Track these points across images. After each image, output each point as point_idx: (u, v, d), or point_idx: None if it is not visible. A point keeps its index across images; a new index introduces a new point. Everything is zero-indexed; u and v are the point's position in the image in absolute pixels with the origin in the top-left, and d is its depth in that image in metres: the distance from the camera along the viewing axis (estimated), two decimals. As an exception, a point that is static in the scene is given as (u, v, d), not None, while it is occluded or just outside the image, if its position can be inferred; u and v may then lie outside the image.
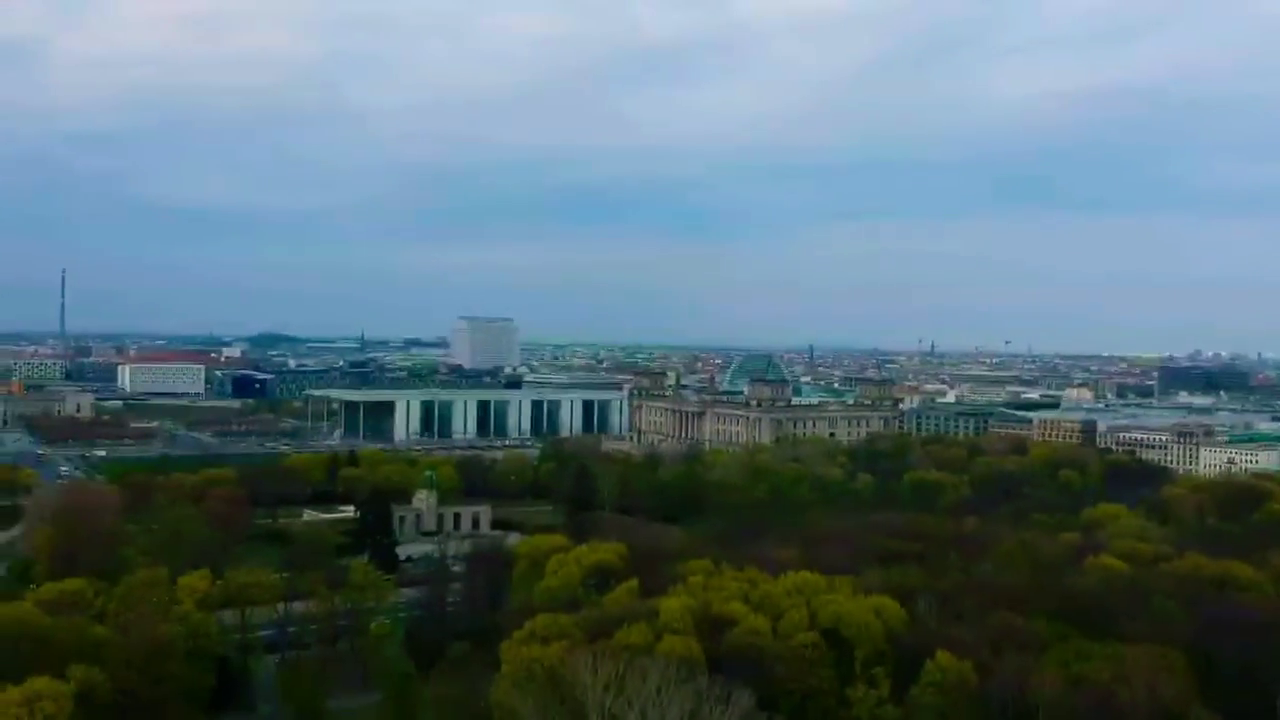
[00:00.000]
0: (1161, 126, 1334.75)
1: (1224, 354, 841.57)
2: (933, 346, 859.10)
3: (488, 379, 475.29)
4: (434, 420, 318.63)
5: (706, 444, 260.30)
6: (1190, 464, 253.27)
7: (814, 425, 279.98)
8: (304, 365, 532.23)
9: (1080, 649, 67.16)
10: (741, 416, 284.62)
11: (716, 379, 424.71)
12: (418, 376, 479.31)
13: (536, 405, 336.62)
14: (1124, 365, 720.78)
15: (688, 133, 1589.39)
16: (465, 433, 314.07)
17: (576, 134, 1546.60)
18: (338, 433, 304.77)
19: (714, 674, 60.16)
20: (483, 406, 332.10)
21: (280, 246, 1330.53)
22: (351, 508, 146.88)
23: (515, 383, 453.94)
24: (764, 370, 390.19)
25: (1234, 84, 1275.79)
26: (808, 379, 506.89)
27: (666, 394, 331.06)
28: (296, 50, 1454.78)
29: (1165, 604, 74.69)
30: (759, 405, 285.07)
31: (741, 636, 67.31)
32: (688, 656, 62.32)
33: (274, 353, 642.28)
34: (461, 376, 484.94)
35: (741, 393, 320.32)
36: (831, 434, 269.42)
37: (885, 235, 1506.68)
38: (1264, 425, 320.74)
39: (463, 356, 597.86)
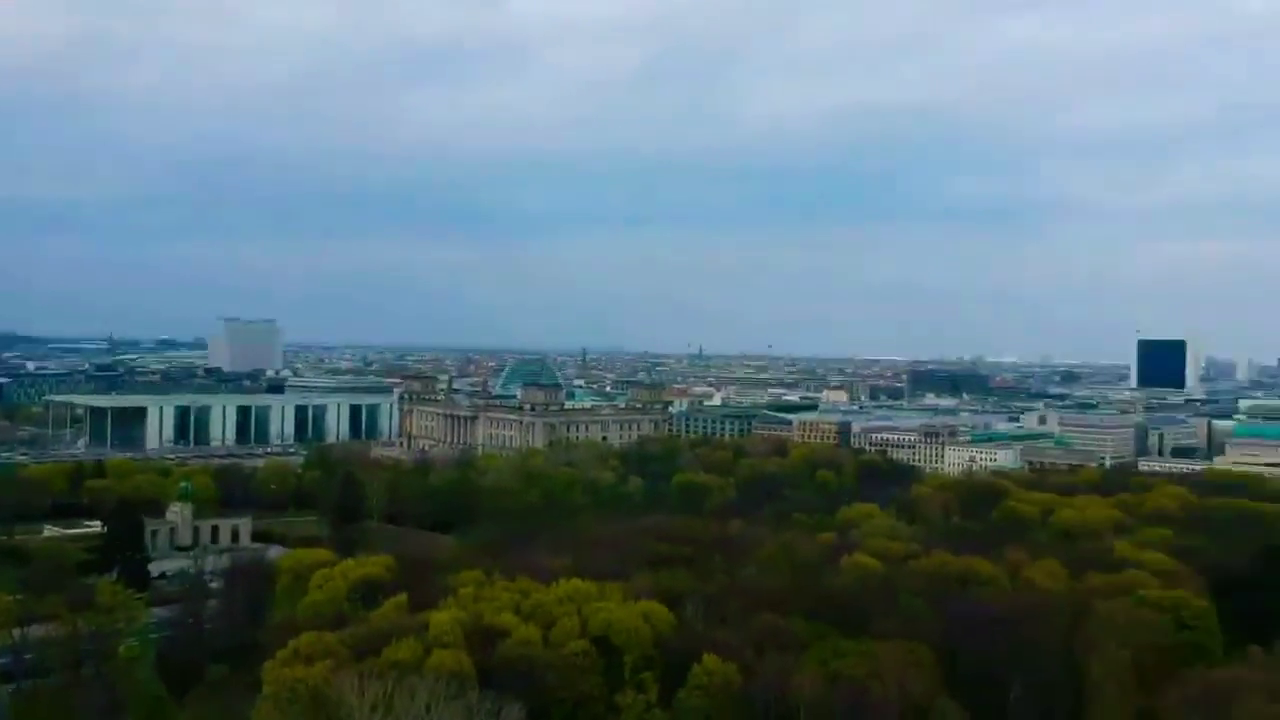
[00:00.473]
0: (911, 143, 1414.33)
1: (966, 357, 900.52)
2: (700, 350, 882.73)
3: (248, 383, 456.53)
4: (190, 427, 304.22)
5: (479, 449, 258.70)
6: (936, 463, 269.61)
7: (587, 429, 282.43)
8: (44, 368, 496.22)
9: (837, 647, 70.01)
10: (515, 420, 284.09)
11: (490, 382, 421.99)
12: (172, 380, 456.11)
13: (301, 410, 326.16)
14: (876, 369, 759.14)
15: (462, 134, 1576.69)
16: (224, 440, 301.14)
17: (346, 132, 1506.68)
18: (82, 441, 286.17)
19: (485, 687, 59.66)
20: (243, 412, 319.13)
21: (17, 241, 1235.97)
22: (98, 522, 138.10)
23: (278, 387, 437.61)
24: (537, 374, 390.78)
25: (973, 106, 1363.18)
26: (580, 382, 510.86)
27: (438, 398, 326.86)
28: (41, 32, 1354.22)
29: (913, 601, 78.87)
30: (532, 409, 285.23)
31: (513, 648, 66.98)
32: (458, 671, 61.48)
33: (10, 354, 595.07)
34: (220, 380, 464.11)
35: (515, 396, 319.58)
36: (604, 437, 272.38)
37: (659, 241, 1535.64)
38: (1001, 425, 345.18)
39: (222, 359, 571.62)
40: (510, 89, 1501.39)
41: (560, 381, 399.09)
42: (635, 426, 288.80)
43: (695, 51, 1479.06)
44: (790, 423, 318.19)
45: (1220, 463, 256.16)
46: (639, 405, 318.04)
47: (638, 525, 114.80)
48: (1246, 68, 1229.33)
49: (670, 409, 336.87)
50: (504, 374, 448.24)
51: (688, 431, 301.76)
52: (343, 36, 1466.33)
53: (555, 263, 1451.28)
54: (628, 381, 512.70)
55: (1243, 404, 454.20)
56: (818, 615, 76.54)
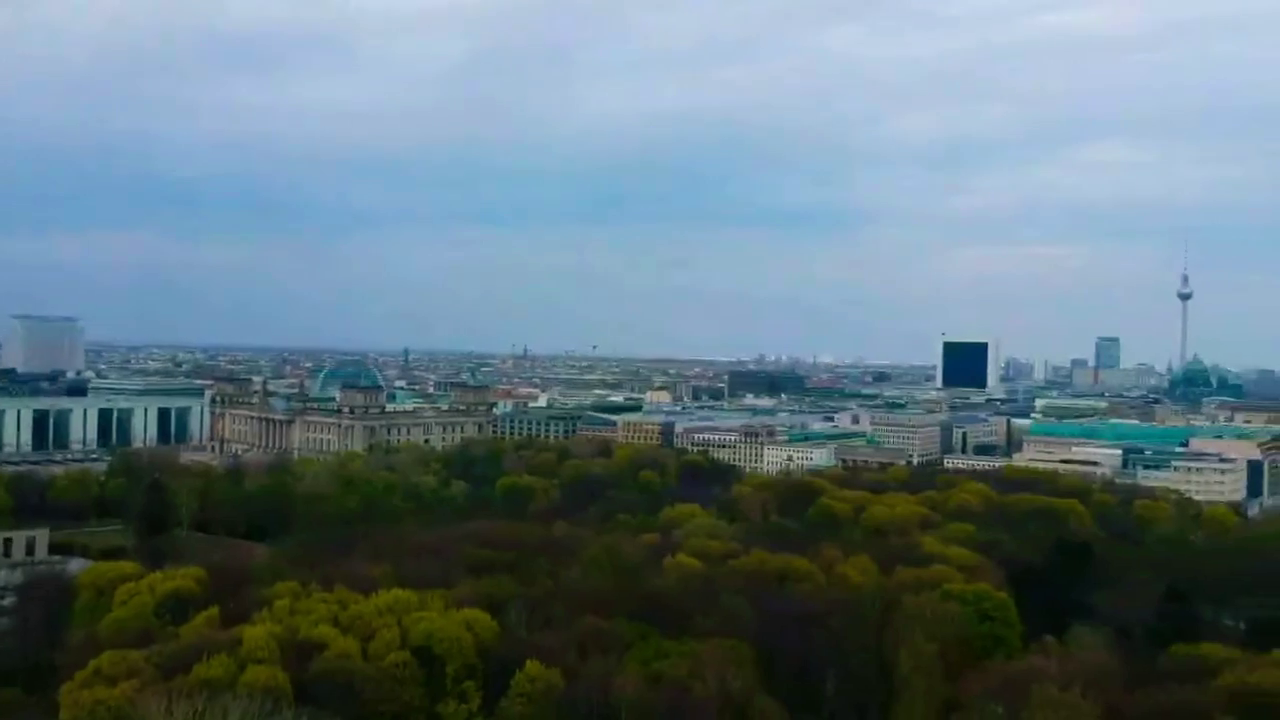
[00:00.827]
0: (736, 148, 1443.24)
1: (785, 358, 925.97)
2: (526, 350, 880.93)
3: (46, 384, 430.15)
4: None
5: (295, 453, 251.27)
6: (756, 462, 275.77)
7: (408, 432, 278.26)
8: None
9: (659, 648, 71.05)
10: (333, 424, 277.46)
11: (307, 384, 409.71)
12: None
13: (104, 414, 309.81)
14: (699, 369, 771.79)
15: (284, 127, 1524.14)
16: (19, 445, 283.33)
17: (154, 120, 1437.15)
18: None
19: (302, 703, 58.16)
20: (40, 416, 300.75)
21: None
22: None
23: (79, 389, 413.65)
24: (356, 375, 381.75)
25: (796, 113, 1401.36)
26: (402, 383, 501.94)
27: (252, 400, 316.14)
28: None
29: (734, 600, 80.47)
30: (351, 412, 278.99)
31: (330, 661, 65.34)
32: (273, 687, 59.64)
33: None
34: (14, 382, 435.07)
35: (334, 399, 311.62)
36: (426, 440, 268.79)
37: (485, 239, 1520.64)
38: (817, 425, 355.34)
39: (15, 359, 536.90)
40: (334, 81, 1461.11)
41: (381, 383, 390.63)
42: (459, 429, 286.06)
43: (524, 48, 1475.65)
44: (615, 424, 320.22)
45: (1018, 459, 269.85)
46: (463, 407, 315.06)
47: (461, 530, 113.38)
48: (1046, 82, 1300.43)
49: (495, 410, 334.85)
50: (322, 375, 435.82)
51: (512, 433, 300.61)
52: (149, 21, 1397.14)
53: (378, 261, 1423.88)
54: (451, 383, 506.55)
55: (1039, 403, 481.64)
56: (641, 616, 77.33)
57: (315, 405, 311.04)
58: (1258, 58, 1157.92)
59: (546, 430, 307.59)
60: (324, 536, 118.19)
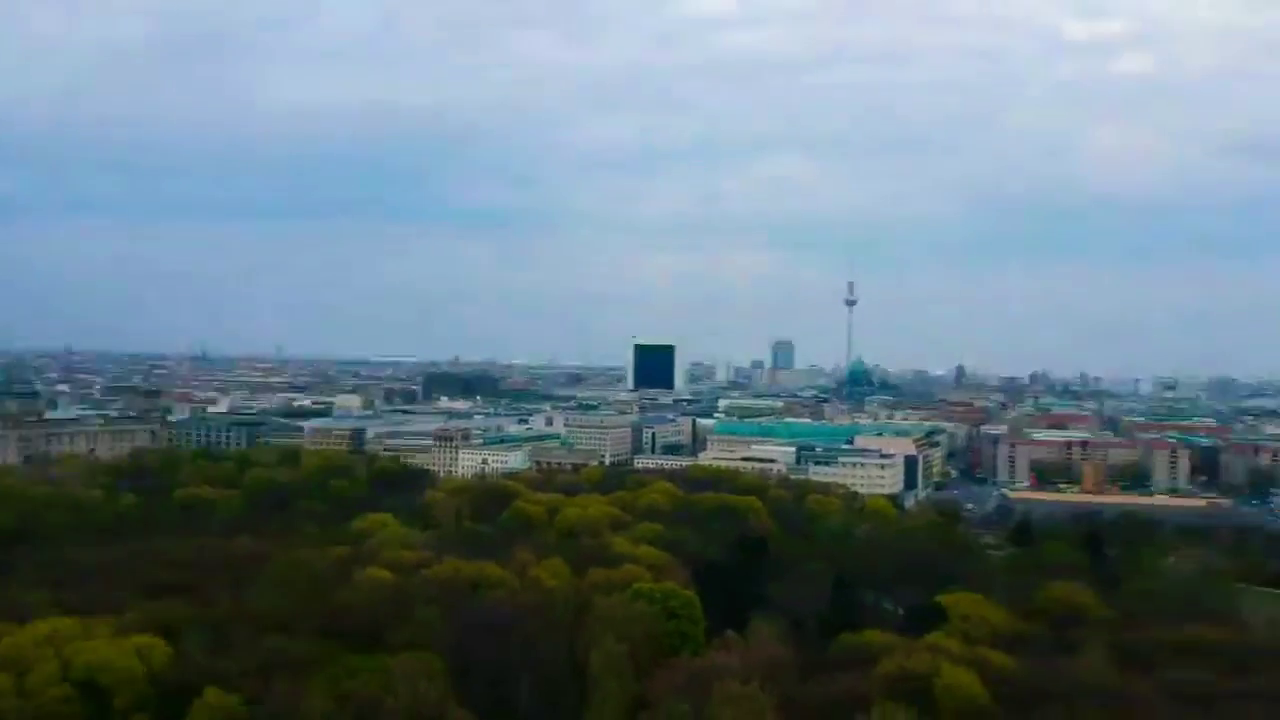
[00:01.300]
0: (432, 146, 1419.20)
1: (480, 359, 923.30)
2: (204, 351, 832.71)
3: None
4: None
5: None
6: (450, 467, 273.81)
7: (71, 441, 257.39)
8: None
9: (349, 665, 69.04)
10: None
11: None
12: None
13: None
14: (392, 371, 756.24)
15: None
16: None
17: None
18: None
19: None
20: None
21: None
22: None
23: None
24: (9, 380, 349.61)
25: (491, 115, 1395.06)
26: (65, 387, 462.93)
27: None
28: None
29: (427, 611, 79.31)
30: (4, 422, 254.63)
31: (-23, 702, 59.48)
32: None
33: None
34: None
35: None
36: (92, 450, 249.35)
37: (161, 232, 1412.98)
38: (512, 427, 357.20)
39: None
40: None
41: (39, 388, 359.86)
42: (129, 437, 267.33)
43: (210, 30, 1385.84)
44: (302, 430, 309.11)
45: (703, 458, 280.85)
46: (134, 414, 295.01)
47: (132, 549, 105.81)
48: (727, 97, 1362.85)
49: (170, 417, 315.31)
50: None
51: (190, 441, 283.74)
52: None
53: (34, 254, 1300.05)
54: (121, 387, 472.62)
55: (722, 403, 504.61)
56: (329, 633, 75.00)
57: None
58: (909, 82, 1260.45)
59: (228, 438, 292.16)
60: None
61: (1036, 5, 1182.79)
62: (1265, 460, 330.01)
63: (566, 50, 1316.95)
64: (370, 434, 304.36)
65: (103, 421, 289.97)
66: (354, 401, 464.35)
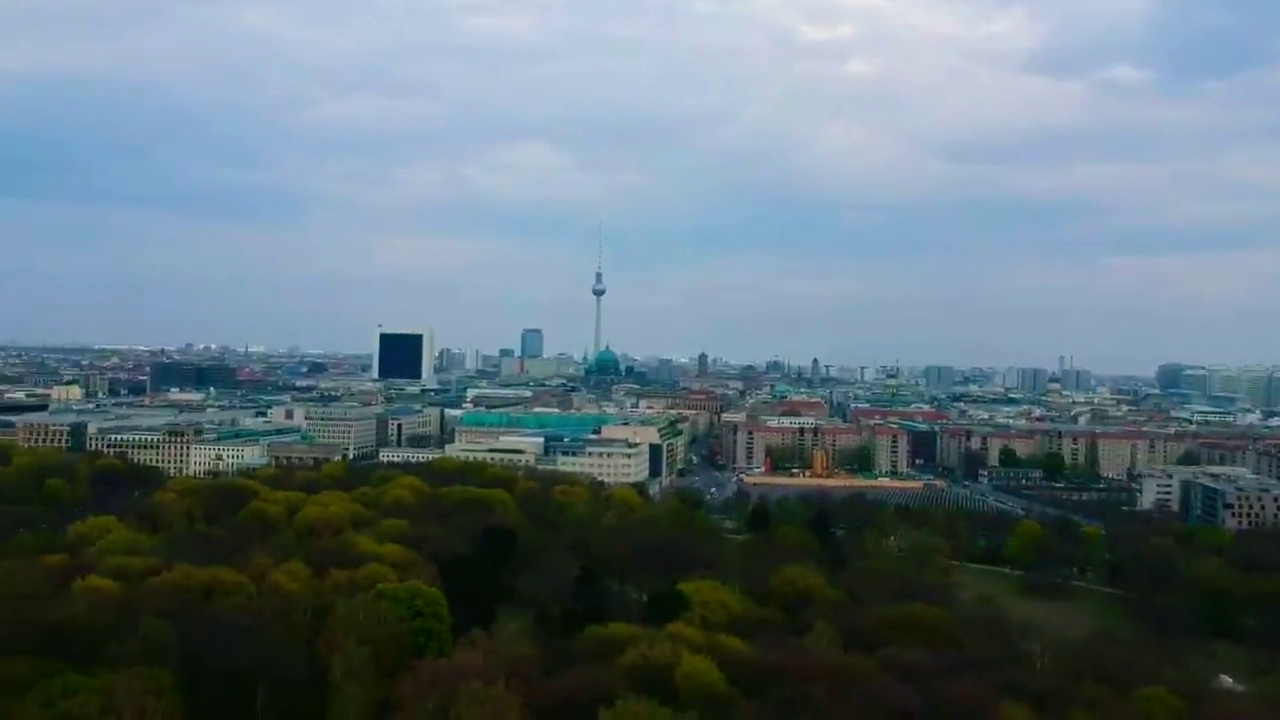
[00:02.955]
0: (147, 122, 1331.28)
1: (214, 347, 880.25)
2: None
3: None
4: None
5: None
6: (182, 464, 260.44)
7: None
8: None
9: (66, 684, 64.47)
10: None
11: None
12: None
13: None
14: (116, 360, 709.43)
15: None
16: None
17: None
18: None
19: None
20: None
21: None
22: None
23: None
24: None
25: (209, 91, 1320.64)
26: None
27: None
28: None
29: (155, 622, 74.96)
30: None
31: None
32: None
33: None
34: None
35: None
36: None
37: None
38: (249, 421, 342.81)
39: None
40: None
41: None
42: None
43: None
44: (13, 425, 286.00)
45: (451, 450, 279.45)
46: None
47: None
48: (470, 82, 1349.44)
49: None
50: None
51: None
52: None
53: None
54: None
55: (470, 393, 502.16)
56: (45, 651, 69.87)
57: None
58: (653, 73, 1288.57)
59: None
60: None
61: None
62: (976, 444, 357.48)
63: (296, 27, 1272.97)
64: (92, 429, 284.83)
65: None
66: (74, 393, 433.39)
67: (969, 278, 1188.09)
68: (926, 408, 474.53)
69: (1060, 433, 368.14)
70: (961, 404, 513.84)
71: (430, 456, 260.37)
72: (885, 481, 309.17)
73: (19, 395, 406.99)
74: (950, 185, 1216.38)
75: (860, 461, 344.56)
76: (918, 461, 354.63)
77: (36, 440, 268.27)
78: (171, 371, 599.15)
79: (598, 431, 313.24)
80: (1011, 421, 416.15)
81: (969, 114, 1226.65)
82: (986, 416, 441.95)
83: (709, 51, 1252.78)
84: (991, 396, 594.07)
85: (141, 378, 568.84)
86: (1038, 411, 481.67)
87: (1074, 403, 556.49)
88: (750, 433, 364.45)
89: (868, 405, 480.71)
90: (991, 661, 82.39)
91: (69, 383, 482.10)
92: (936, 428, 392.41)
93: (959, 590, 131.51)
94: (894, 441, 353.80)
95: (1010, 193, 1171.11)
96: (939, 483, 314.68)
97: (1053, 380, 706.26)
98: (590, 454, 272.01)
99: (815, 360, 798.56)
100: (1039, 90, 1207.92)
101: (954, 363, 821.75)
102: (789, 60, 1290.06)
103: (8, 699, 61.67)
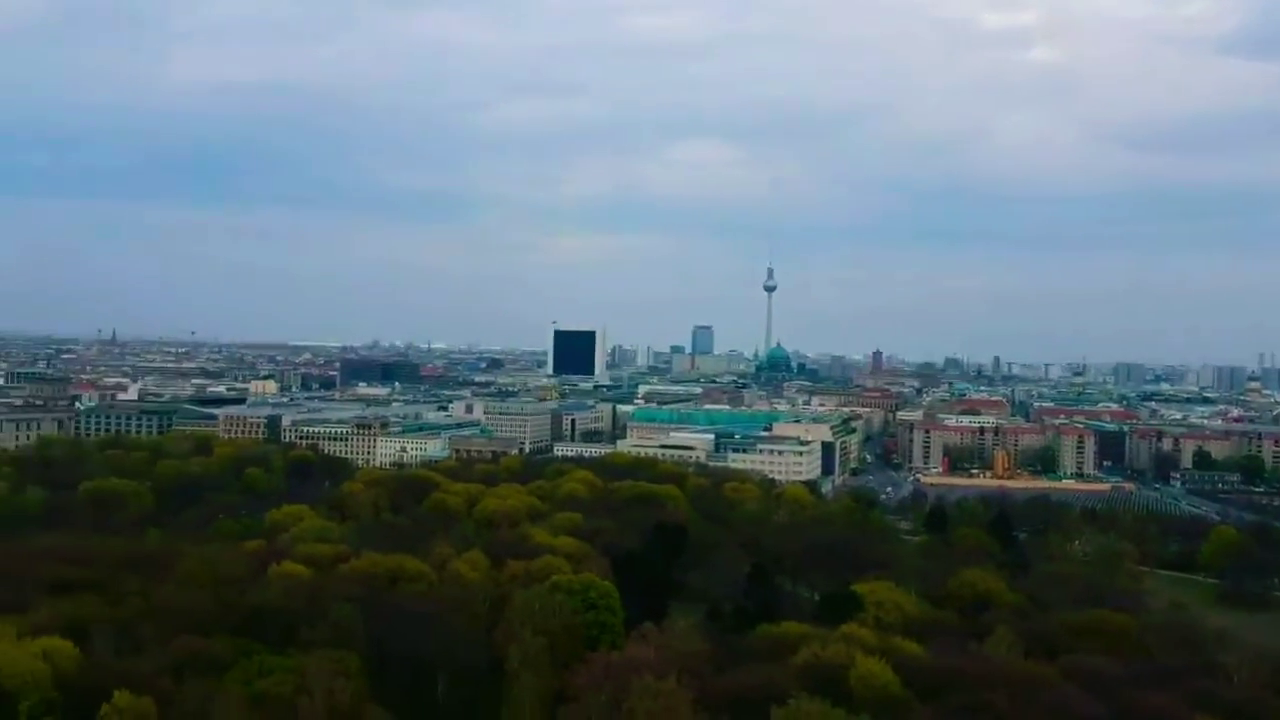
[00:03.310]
0: (336, 128, 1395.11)
1: (399, 344, 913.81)
2: (114, 335, 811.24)
3: None
4: None
5: None
6: (368, 455, 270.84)
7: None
8: None
9: (263, 664, 67.98)
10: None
11: None
12: None
13: None
14: (308, 356, 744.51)
15: None
16: None
17: None
18: None
19: None
20: None
21: None
22: None
23: None
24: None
25: (395, 96, 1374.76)
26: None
27: None
28: None
29: (343, 607, 78.42)
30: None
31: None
32: None
33: None
34: None
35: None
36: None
37: (69, 209, 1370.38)
38: (431, 415, 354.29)
39: None
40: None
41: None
42: (35, 426, 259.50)
43: (106, 6, 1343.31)
44: (215, 418, 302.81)
45: (623, 445, 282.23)
46: (39, 401, 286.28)
47: (36, 545, 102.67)
48: (637, 80, 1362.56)
49: (77, 405, 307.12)
50: None
51: (98, 430, 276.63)
52: None
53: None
54: (26, 373, 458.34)
55: (641, 389, 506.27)
56: (243, 632, 73.91)
57: None
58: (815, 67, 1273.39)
59: (138, 426, 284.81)
60: None
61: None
62: (1168, 445, 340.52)
63: (470, 31, 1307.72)
64: (286, 421, 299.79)
65: (6, 410, 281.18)
66: (269, 388, 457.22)
67: (1154, 271, 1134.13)
68: (1115, 407, 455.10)
69: (1260, 434, 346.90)
70: (1152, 403, 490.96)
71: (603, 451, 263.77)
72: (1070, 483, 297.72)
73: (220, 389, 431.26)
74: (1135, 175, 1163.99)
75: (1044, 462, 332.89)
76: (1105, 463, 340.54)
77: (236, 432, 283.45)
78: (359, 367, 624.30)
79: (769, 429, 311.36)
80: (1206, 422, 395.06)
81: (1158, 100, 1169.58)
82: (1179, 416, 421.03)
83: (871, 43, 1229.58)
84: (1185, 395, 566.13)
85: (331, 373, 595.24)
86: (1235, 412, 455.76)
87: (1276, 402, 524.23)
88: (927, 431, 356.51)
89: (1052, 404, 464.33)
90: (1183, 672, 78.26)
91: (265, 377, 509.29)
92: (1125, 428, 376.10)
93: (1148, 597, 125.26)
94: (1080, 442, 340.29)
95: (1200, 181, 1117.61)
96: (1127, 485, 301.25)
97: (1252, 379, 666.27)
98: (761, 451, 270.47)
99: (997, 358, 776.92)
100: (1236, 72, 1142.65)
101: (1141, 359, 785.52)
102: (967, 49, 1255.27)
103: (211, 677, 65.13)
